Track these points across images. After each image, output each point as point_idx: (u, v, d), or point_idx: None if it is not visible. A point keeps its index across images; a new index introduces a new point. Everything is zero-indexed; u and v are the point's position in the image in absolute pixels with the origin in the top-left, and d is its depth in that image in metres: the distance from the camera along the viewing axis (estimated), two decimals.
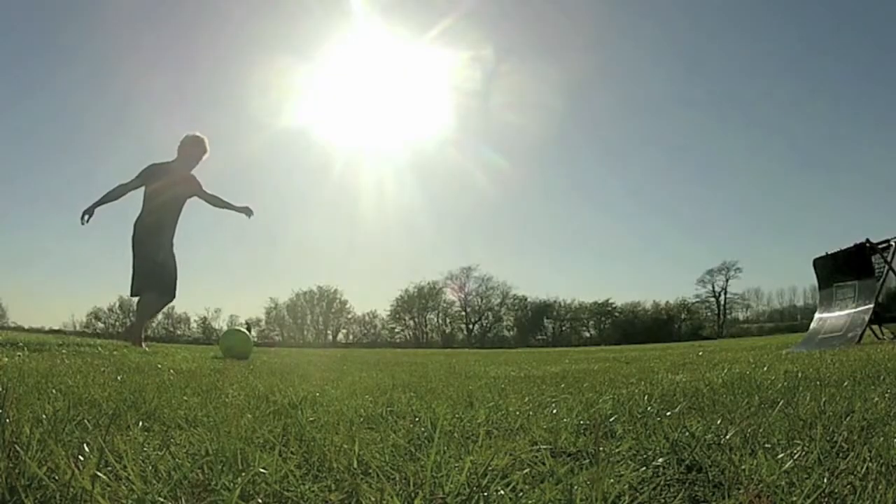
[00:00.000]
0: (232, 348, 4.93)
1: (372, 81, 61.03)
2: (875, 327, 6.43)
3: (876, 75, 57.11)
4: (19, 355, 3.16)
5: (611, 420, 1.27)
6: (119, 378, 2.12)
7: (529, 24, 63.61)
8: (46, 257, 58.82)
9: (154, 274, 5.12)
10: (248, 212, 5.54)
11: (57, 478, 0.73)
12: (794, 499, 0.71)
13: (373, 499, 0.73)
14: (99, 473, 0.72)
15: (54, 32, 56.53)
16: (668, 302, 53.63)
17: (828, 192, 59.34)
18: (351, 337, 54.59)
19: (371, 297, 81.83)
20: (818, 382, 1.86)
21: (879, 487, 0.71)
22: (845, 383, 1.80)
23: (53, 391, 1.59)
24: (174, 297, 5.24)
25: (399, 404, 1.52)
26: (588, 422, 1.24)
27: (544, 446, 1.02)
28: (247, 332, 5.58)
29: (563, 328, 55.23)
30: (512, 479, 0.79)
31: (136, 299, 5.20)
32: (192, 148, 5.40)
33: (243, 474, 0.78)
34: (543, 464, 0.89)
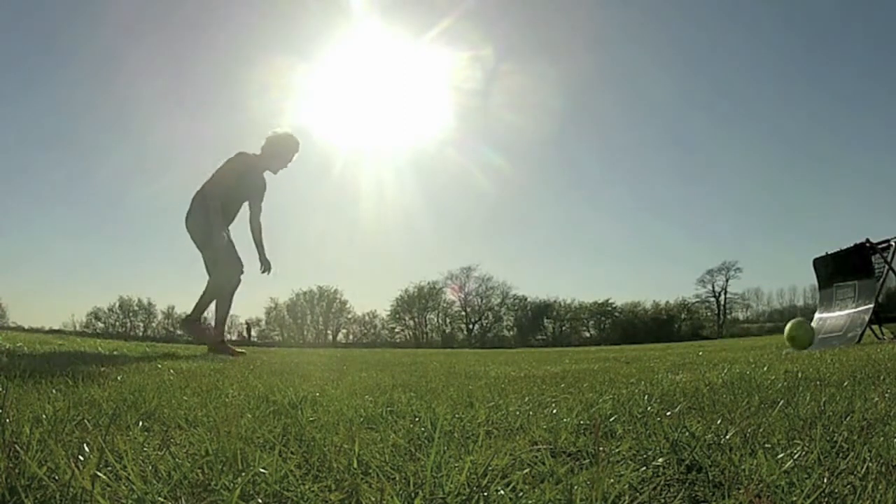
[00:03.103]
0: (799, 338, 5.16)
1: (372, 81, 60.97)
2: (875, 327, 6.43)
3: (877, 74, 57.13)
4: (19, 355, 3.16)
5: (611, 420, 1.27)
6: (119, 378, 2.12)
7: (529, 24, 63.62)
8: (46, 257, 58.80)
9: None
10: (266, 265, 5.08)
11: (57, 478, 0.73)
12: (794, 499, 0.71)
13: (373, 499, 0.73)
14: (99, 473, 0.72)
15: (54, 32, 56.49)
16: (668, 302, 53.65)
17: (828, 192, 59.34)
18: (351, 337, 54.56)
19: (371, 297, 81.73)
20: (818, 382, 1.86)
21: (879, 487, 0.71)
22: (845, 383, 1.79)
23: (53, 391, 1.59)
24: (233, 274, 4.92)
25: (399, 404, 1.52)
26: (588, 422, 1.24)
27: (544, 446, 1.02)
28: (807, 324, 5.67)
29: (563, 328, 55.18)
30: (512, 479, 0.79)
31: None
32: (282, 148, 4.95)
33: (243, 474, 0.78)
34: (543, 464, 0.89)
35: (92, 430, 1.05)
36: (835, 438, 0.98)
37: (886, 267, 6.15)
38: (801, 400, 1.41)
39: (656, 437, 1.05)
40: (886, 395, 1.47)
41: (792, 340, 5.33)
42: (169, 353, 4.83)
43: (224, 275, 4.90)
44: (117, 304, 50.69)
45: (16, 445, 0.77)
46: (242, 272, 4.99)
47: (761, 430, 1.06)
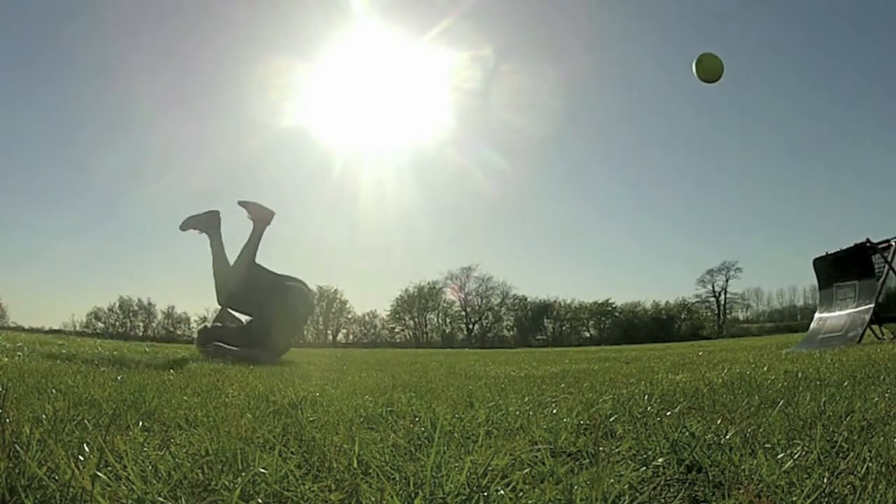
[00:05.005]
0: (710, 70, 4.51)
1: (372, 81, 60.83)
2: (875, 327, 6.42)
3: (876, 74, 57.08)
4: (19, 355, 3.16)
5: (611, 420, 1.27)
6: (119, 378, 2.12)
7: (529, 24, 63.50)
8: (46, 257, 58.68)
9: None
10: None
11: (57, 478, 0.73)
12: (794, 499, 0.71)
13: (373, 499, 0.73)
14: (99, 473, 0.72)
15: (54, 32, 56.46)
16: (668, 302, 53.53)
17: (828, 192, 59.16)
18: (351, 337, 54.50)
19: (371, 297, 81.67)
20: (818, 382, 1.86)
21: (879, 487, 0.71)
22: (845, 383, 1.79)
23: (53, 391, 1.59)
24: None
25: (399, 404, 1.52)
26: (588, 422, 1.24)
27: (544, 446, 1.02)
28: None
29: (563, 328, 55.15)
30: (512, 479, 0.79)
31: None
32: None
33: (243, 474, 0.78)
34: (543, 464, 0.89)
35: (92, 430, 1.05)
36: (835, 438, 0.99)
37: (887, 267, 6.15)
38: (801, 400, 1.41)
39: (656, 437, 1.05)
40: (886, 395, 1.47)
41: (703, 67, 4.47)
42: (169, 353, 4.83)
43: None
44: (117, 304, 50.61)
45: (16, 445, 0.77)
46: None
47: (761, 430, 1.06)
